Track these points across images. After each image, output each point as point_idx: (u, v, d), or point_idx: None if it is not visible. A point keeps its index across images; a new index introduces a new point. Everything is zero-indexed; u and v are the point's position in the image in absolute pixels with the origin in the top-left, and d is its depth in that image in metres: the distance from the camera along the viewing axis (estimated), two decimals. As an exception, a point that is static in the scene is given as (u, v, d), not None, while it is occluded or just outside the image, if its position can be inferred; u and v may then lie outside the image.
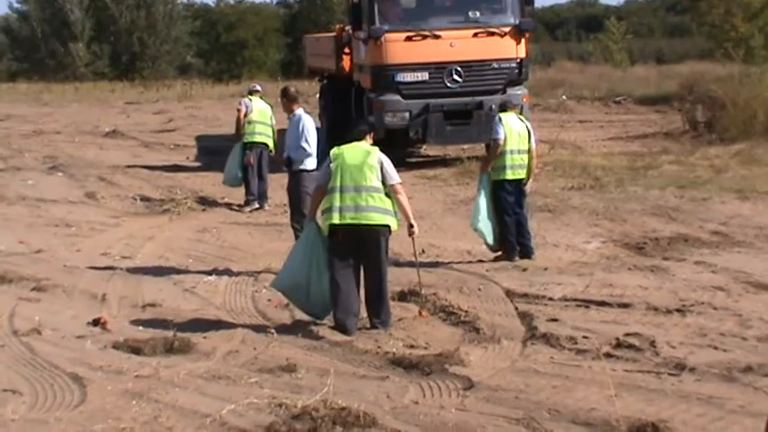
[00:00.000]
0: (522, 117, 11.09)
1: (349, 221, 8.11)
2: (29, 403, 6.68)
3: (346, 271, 8.23)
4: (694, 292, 9.03)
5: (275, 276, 8.79)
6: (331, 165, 8.26)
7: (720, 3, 29.57)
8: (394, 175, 8.28)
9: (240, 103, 14.76)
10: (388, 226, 8.21)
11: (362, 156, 8.24)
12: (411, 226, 8.40)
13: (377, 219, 8.13)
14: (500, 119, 10.68)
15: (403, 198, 8.31)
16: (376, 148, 8.37)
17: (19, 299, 9.41)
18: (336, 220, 8.12)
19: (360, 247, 8.21)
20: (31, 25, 48.75)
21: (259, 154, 14.39)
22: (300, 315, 8.70)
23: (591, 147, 19.83)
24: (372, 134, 8.65)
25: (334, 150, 8.36)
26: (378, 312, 8.31)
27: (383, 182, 8.18)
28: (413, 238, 8.58)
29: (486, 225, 10.54)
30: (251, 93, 14.92)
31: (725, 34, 29.50)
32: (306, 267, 8.36)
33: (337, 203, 8.12)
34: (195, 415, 6.35)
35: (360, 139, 8.43)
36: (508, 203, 10.57)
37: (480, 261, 10.59)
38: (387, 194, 8.20)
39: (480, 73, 16.83)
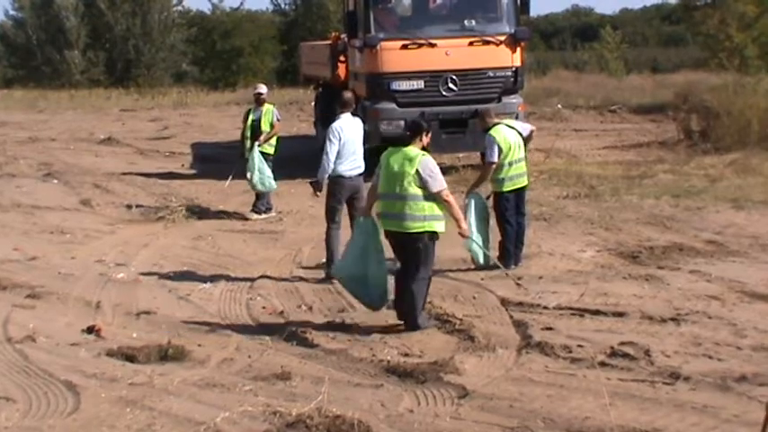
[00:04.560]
0: (511, 123, 10.92)
1: (388, 228, 8.41)
2: (22, 411, 6.67)
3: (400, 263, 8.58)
4: (689, 301, 9.03)
5: (334, 264, 9.12)
6: (379, 170, 8.53)
7: (715, 12, 29.61)
8: (435, 183, 8.23)
9: (278, 118, 14.53)
10: (427, 232, 8.29)
11: (401, 163, 8.28)
12: (460, 230, 8.63)
13: (412, 227, 8.26)
14: (494, 138, 10.39)
15: (449, 203, 8.33)
16: (420, 155, 8.29)
17: (13, 306, 9.40)
18: (382, 226, 8.50)
19: (399, 250, 8.51)
20: (27, 32, 48.68)
21: None
22: (295, 323, 8.70)
23: (586, 155, 19.84)
24: (426, 132, 8.49)
25: (383, 154, 8.53)
26: (401, 314, 8.50)
27: (425, 189, 8.23)
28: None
29: (477, 246, 10.36)
30: (262, 99, 14.50)
31: (719, 44, 29.55)
32: (364, 260, 8.59)
33: (381, 209, 8.48)
34: (189, 423, 6.34)
35: (407, 144, 8.41)
36: (510, 212, 10.52)
37: (475, 269, 10.57)
38: (428, 198, 8.23)
39: (476, 82, 16.85)
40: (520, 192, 10.68)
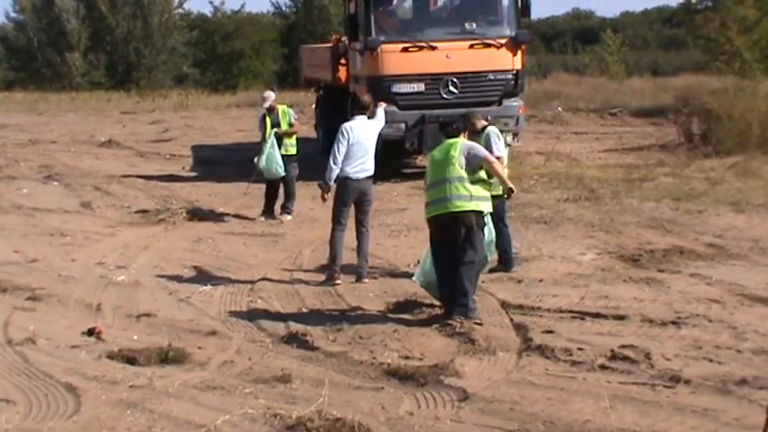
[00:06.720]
0: (498, 133, 10.79)
1: (434, 213, 8.78)
2: (23, 413, 6.67)
3: (442, 258, 8.76)
4: (689, 304, 9.04)
5: (416, 270, 9.31)
6: (428, 168, 9.11)
7: (715, 16, 29.57)
8: (480, 154, 8.78)
9: (295, 118, 14.59)
10: (473, 211, 8.63)
11: (447, 150, 8.82)
12: (510, 189, 9.08)
13: (457, 206, 8.62)
14: (497, 135, 10.28)
15: (496, 167, 8.84)
16: (460, 139, 8.91)
17: (13, 308, 9.39)
18: (428, 215, 8.88)
19: (447, 236, 8.69)
20: (28, 35, 48.71)
21: None
22: (295, 326, 8.71)
23: (586, 158, 19.85)
24: (466, 133, 9.22)
25: (429, 153, 9.24)
26: (454, 298, 8.64)
27: (473, 167, 8.64)
28: (510, 197, 9.45)
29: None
30: (272, 106, 14.41)
31: (720, 47, 29.51)
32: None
33: (429, 198, 8.89)
34: (190, 425, 6.34)
35: (453, 136, 8.97)
36: (499, 216, 10.45)
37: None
38: (473, 182, 8.65)
39: (476, 84, 16.85)
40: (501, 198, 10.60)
